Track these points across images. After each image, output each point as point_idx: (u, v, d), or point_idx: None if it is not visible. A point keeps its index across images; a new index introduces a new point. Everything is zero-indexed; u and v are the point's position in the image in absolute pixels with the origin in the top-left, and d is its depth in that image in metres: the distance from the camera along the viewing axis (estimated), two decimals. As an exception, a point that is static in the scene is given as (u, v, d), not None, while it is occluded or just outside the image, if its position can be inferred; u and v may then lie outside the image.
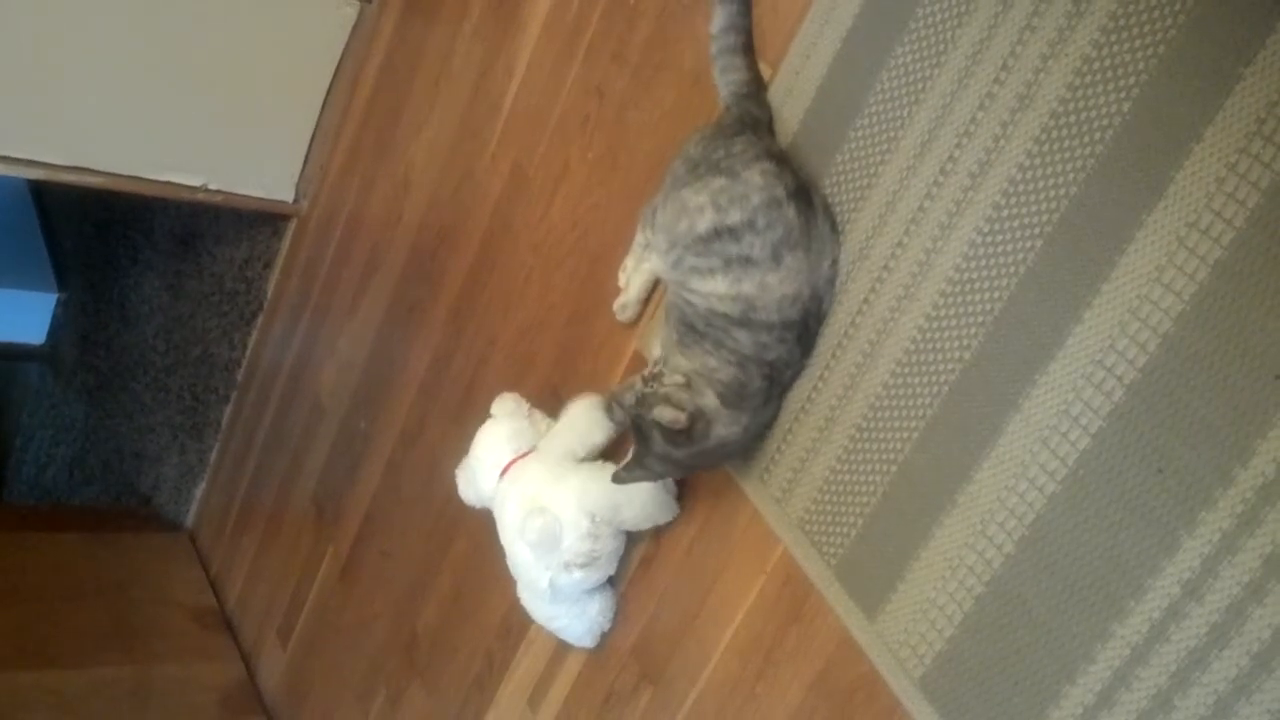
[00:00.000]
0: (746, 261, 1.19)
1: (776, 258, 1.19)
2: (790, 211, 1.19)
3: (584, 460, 1.46)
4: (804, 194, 1.21)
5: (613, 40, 1.59)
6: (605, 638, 1.48)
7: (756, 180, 1.20)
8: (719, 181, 1.22)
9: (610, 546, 1.42)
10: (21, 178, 2.15)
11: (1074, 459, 1.00)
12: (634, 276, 1.47)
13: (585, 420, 1.46)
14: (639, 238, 1.44)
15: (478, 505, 1.55)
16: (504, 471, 1.48)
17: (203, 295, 2.69)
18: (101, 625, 2.32)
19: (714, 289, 1.21)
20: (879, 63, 1.20)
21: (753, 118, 1.29)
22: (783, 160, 1.23)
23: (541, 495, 1.41)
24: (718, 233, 1.20)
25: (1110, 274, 0.99)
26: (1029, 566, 1.02)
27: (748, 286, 1.20)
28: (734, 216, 1.20)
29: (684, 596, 1.38)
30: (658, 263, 1.32)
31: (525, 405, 1.56)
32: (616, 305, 1.49)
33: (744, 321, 1.21)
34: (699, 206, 1.22)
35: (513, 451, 1.49)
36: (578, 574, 1.40)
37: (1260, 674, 0.88)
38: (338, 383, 2.17)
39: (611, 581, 1.47)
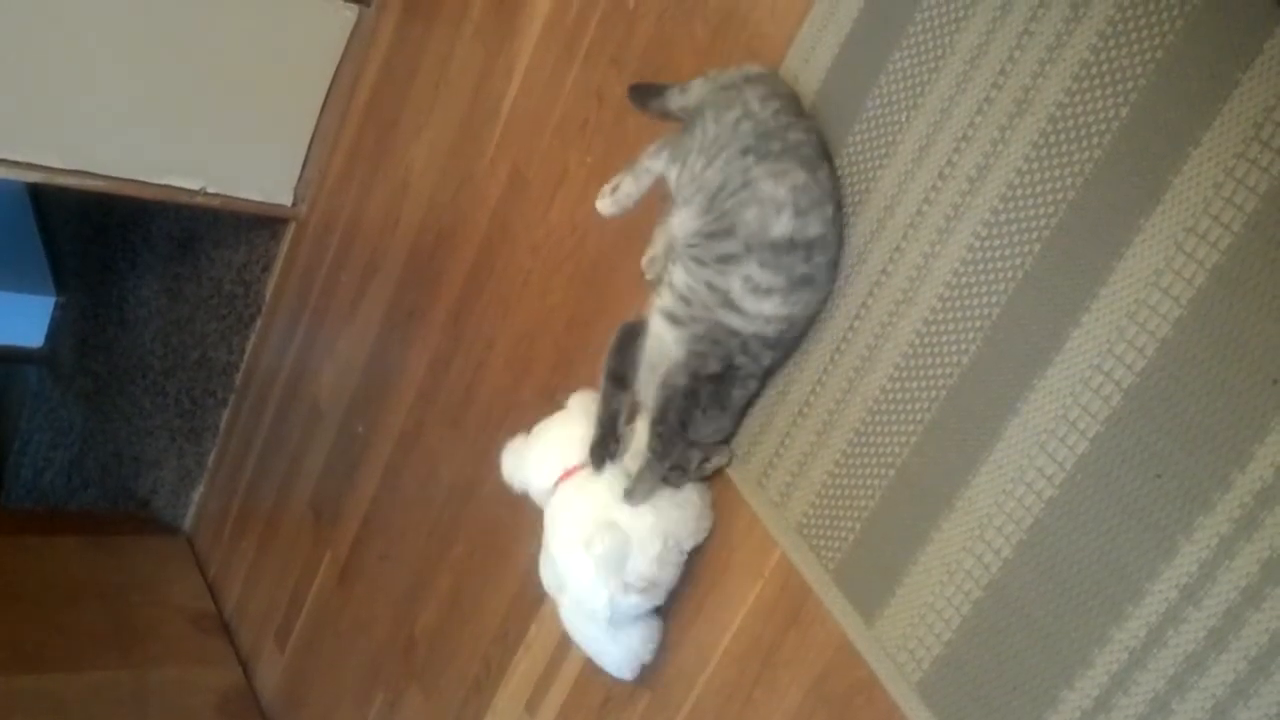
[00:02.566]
0: (808, 282, 1.15)
1: (828, 277, 1.17)
2: (839, 224, 1.16)
3: None
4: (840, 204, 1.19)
5: (612, 44, 1.59)
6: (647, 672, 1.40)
7: (827, 185, 1.14)
8: (801, 175, 1.13)
9: (671, 575, 1.34)
10: (20, 180, 2.15)
11: (1072, 464, 1.00)
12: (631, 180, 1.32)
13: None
14: (644, 163, 1.31)
15: (517, 489, 1.45)
16: (566, 475, 1.40)
17: (201, 298, 2.69)
18: (99, 629, 2.32)
19: (766, 310, 1.15)
20: (878, 67, 1.20)
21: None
22: (831, 161, 1.20)
23: (614, 510, 1.32)
24: (793, 244, 1.13)
25: (1108, 278, 0.99)
26: (1027, 571, 1.02)
27: (799, 307, 1.15)
28: (814, 229, 1.12)
29: (682, 600, 1.38)
30: (686, 222, 1.21)
31: None
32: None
33: (776, 344, 1.19)
34: (776, 201, 1.12)
35: (580, 458, 1.38)
36: (635, 598, 1.32)
37: (1258, 679, 0.88)
38: (336, 386, 2.17)
39: (659, 611, 1.39)
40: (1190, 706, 0.91)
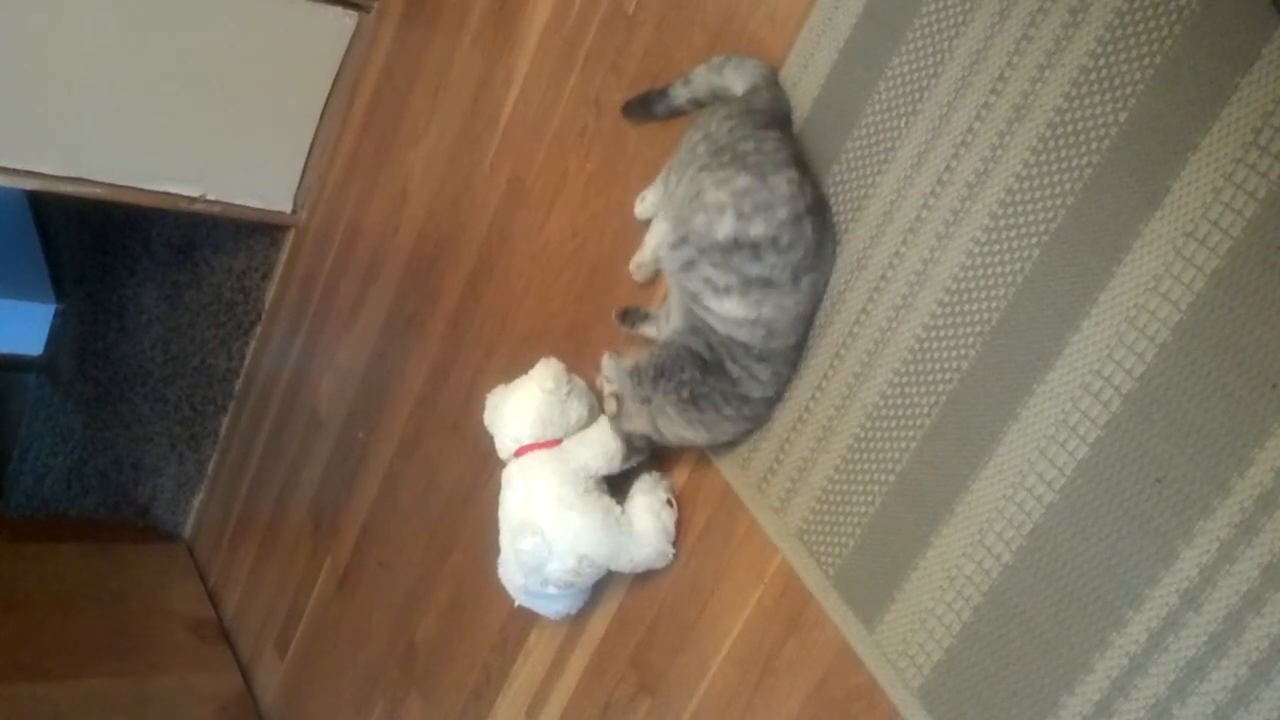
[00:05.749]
0: (766, 284, 1.17)
1: (795, 280, 1.18)
2: (808, 229, 1.17)
3: (601, 479, 1.41)
4: (819, 210, 1.20)
5: (611, 51, 1.59)
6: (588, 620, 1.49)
7: (783, 190, 1.16)
8: (743, 180, 1.17)
9: (590, 582, 1.43)
10: (19, 188, 2.15)
11: (1072, 469, 1.00)
12: (649, 237, 1.43)
13: (611, 442, 1.38)
14: (662, 174, 1.38)
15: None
16: (520, 451, 1.44)
17: (201, 305, 2.69)
18: (98, 636, 2.31)
19: (730, 311, 1.19)
20: (876, 73, 1.20)
21: (783, 110, 1.27)
22: (805, 168, 1.21)
23: (541, 514, 1.37)
24: (738, 244, 1.16)
25: (1108, 284, 0.99)
26: (1027, 576, 1.02)
27: (768, 310, 1.18)
28: (757, 229, 1.16)
29: (682, 606, 1.38)
30: (662, 242, 1.30)
31: (565, 384, 1.46)
32: (633, 265, 1.46)
33: (764, 355, 1.21)
34: (719, 204, 1.17)
35: (533, 436, 1.44)
36: (553, 589, 1.41)
37: (1259, 684, 0.88)
38: (335, 393, 2.17)
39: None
40: (1191, 712, 0.91)
